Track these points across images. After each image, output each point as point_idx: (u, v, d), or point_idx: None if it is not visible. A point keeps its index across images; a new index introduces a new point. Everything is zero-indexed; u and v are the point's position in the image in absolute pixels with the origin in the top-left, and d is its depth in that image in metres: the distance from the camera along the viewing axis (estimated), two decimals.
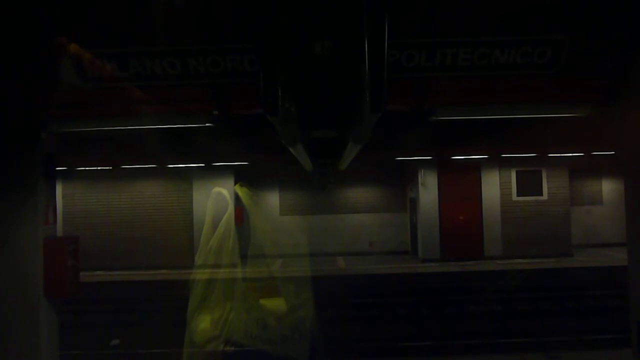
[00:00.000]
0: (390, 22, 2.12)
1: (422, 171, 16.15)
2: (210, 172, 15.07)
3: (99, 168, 14.92)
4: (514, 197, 16.38)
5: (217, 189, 4.21)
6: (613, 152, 12.44)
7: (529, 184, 16.36)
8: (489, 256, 15.90)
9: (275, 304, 3.93)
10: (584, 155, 13.97)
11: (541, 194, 16.38)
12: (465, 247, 15.95)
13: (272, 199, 17.92)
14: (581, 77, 4.86)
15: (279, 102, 2.26)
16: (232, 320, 3.80)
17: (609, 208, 18.06)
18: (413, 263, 15.87)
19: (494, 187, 16.39)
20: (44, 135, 4.87)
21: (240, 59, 4.40)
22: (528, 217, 16.19)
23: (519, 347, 7.96)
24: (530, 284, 12.02)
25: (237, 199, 4.34)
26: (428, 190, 16.25)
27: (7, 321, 4.63)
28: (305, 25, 2.34)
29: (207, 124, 5.18)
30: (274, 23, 2.17)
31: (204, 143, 9.15)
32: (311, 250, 4.22)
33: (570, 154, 14.17)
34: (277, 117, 2.31)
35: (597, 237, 17.69)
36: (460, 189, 16.41)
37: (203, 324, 3.87)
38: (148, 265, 15.05)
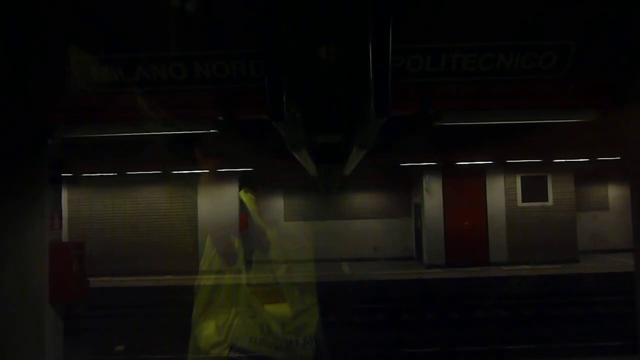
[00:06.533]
0: (395, 27, 2.13)
1: (427, 177, 16.10)
2: (215, 178, 15.08)
3: (104, 174, 14.97)
4: (519, 203, 16.29)
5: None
6: (619, 158, 12.38)
7: (534, 190, 16.27)
8: (494, 262, 15.78)
9: (280, 309, 3.91)
10: (589, 161, 13.91)
11: (547, 200, 16.28)
12: (470, 253, 15.85)
13: (277, 205, 17.91)
14: (587, 82, 4.84)
15: (284, 107, 2.27)
16: (237, 325, 3.79)
17: (615, 214, 17.92)
18: (418, 269, 15.78)
19: (499, 192, 16.31)
20: (51, 141, 4.89)
21: (246, 64, 4.42)
22: (533, 223, 16.06)
23: (523, 353, 7.92)
24: (537, 290, 11.94)
25: (241, 204, 4.34)
26: (433, 195, 16.19)
27: (13, 325, 4.64)
28: (309, 30, 2.35)
29: (211, 130, 5.20)
30: (279, 28, 2.18)
31: (209, 149, 9.16)
32: (315, 256, 4.21)
33: (576, 160, 14.10)
34: (282, 122, 2.31)
35: (603, 243, 17.52)
36: (465, 194, 16.34)
37: (207, 329, 3.86)
38: (152, 270, 15.04)
